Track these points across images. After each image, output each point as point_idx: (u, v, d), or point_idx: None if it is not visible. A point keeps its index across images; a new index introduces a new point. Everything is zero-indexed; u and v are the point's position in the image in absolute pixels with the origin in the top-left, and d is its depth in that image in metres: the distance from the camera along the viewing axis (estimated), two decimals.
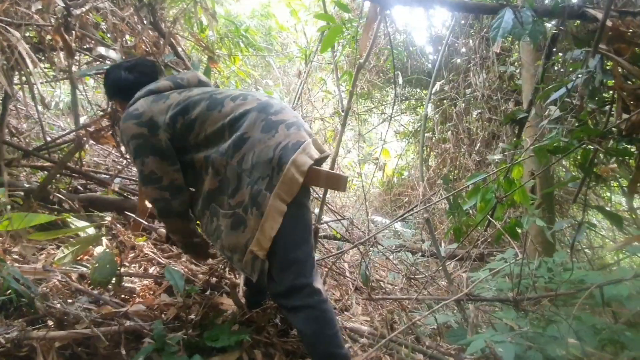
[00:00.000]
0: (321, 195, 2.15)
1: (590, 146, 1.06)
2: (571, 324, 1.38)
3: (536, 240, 2.34)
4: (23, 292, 1.17)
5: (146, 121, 1.23)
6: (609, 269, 2.50)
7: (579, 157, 1.24)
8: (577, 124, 1.14)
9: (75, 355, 1.13)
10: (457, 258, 3.24)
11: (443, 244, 3.68)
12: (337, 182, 1.21)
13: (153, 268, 1.85)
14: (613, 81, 1.02)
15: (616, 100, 1.03)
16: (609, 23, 1.02)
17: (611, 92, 1.13)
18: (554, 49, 1.87)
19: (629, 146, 1.13)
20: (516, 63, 3.77)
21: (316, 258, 2.21)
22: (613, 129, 1.04)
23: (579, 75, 1.07)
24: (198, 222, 1.41)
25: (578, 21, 1.41)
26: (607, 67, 1.05)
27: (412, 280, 2.77)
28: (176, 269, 1.49)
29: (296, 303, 1.16)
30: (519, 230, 1.86)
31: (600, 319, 1.62)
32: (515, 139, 1.92)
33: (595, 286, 1.35)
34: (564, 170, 3.10)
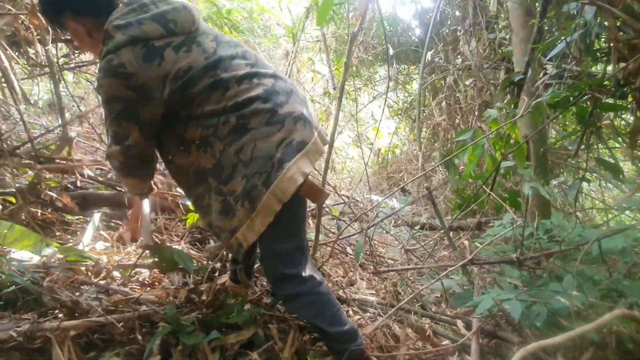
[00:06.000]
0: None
1: (590, 97, 1.06)
2: (575, 277, 1.43)
3: (533, 203, 2.38)
4: (29, 286, 1.15)
5: (137, 86, 1.03)
6: (599, 229, 2.58)
7: (575, 113, 1.25)
8: (575, 79, 1.14)
9: (90, 343, 1.12)
10: (455, 228, 3.29)
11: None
12: (317, 196, 1.18)
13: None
14: (607, 34, 1.02)
15: (612, 52, 1.04)
16: None
17: (605, 44, 1.13)
18: (547, 8, 1.86)
19: (621, 101, 1.14)
20: (503, 31, 3.75)
21: (320, 239, 2.22)
22: (608, 81, 1.05)
23: (576, 30, 1.07)
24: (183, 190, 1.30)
25: None
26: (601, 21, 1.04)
27: (412, 253, 2.82)
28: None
29: (290, 292, 1.16)
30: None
31: (598, 271, 1.68)
32: (514, 100, 1.92)
33: (595, 239, 1.39)
34: (553, 136, 3.15)
